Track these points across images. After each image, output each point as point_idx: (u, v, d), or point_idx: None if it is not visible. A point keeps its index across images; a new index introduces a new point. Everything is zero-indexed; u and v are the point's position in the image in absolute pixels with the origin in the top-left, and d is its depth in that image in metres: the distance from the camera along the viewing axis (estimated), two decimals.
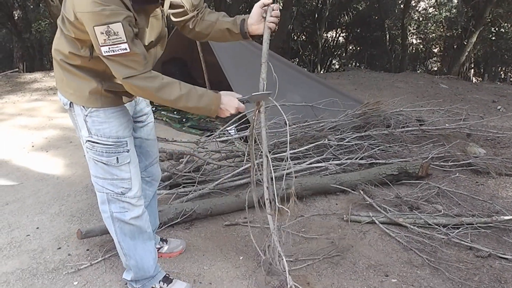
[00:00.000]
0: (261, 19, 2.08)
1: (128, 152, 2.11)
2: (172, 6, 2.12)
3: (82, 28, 1.80)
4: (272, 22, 2.07)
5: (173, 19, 2.19)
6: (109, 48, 1.75)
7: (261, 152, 3.56)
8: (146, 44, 1.98)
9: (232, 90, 4.77)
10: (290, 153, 3.93)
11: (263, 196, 2.34)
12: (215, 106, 2.00)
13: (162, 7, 2.04)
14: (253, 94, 2.12)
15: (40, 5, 15.49)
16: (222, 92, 2.07)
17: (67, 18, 1.82)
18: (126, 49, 1.76)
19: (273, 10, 2.05)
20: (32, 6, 16.38)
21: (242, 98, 2.09)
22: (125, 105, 2.12)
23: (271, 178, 2.32)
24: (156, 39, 2.06)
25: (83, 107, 2.00)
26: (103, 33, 1.72)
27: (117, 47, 1.75)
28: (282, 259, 2.25)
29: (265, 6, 2.05)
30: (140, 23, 1.88)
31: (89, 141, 2.05)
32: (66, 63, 1.95)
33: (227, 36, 2.19)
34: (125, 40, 1.75)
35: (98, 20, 1.70)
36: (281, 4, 14.05)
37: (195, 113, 2.04)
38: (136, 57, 1.82)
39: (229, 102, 2.04)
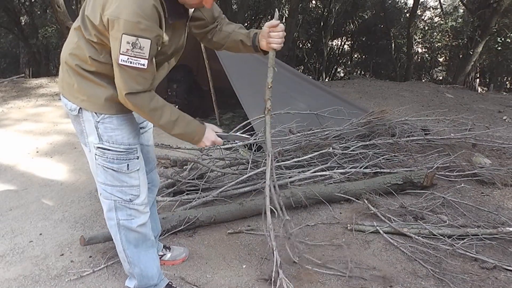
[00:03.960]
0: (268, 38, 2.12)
1: (138, 159, 2.12)
2: (193, 18, 2.15)
3: (104, 32, 1.81)
4: (275, 43, 2.09)
5: (194, 30, 2.24)
6: (127, 59, 1.77)
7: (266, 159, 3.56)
8: (168, 54, 2.03)
9: (237, 98, 4.81)
10: (294, 161, 3.92)
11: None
12: (199, 137, 2.11)
13: (187, 21, 2.09)
14: (231, 133, 2.31)
15: (47, 11, 15.61)
16: (208, 124, 2.18)
17: (91, 21, 1.82)
18: (144, 65, 1.80)
19: (274, 31, 2.09)
20: (39, 12, 16.50)
21: (221, 134, 2.21)
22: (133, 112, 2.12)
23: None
24: (175, 51, 2.09)
25: (95, 113, 1.98)
26: (129, 43, 1.74)
27: (136, 60, 1.78)
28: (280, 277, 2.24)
29: (272, 27, 2.08)
30: (166, 36, 1.91)
31: (99, 148, 2.04)
32: (82, 69, 1.94)
33: (241, 47, 2.24)
34: (147, 57, 1.78)
35: (130, 29, 1.72)
36: (287, 12, 14.10)
37: (176, 137, 2.16)
38: (148, 75, 1.86)
39: (207, 136, 2.13)
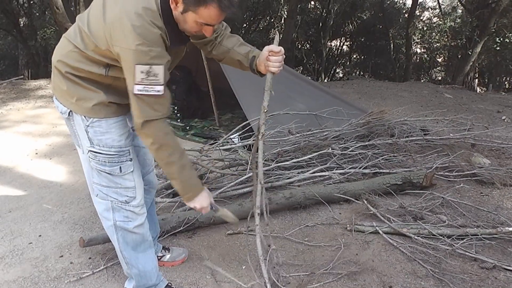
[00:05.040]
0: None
1: (131, 161, 2.12)
2: None
3: (111, 56, 1.83)
4: (274, 67, 2.07)
5: (193, 40, 2.22)
6: (143, 87, 1.79)
7: (265, 160, 3.56)
8: None
9: (236, 98, 4.81)
10: (293, 162, 3.92)
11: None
12: (192, 194, 2.10)
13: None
14: (222, 209, 2.29)
15: (46, 12, 15.58)
16: (206, 189, 2.16)
17: (96, 44, 1.83)
18: (160, 91, 1.82)
19: (274, 55, 2.05)
20: (37, 14, 16.47)
21: (213, 204, 2.21)
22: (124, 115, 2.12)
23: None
24: (172, 65, 2.10)
25: (85, 117, 1.99)
26: (143, 72, 1.76)
27: (151, 88, 1.79)
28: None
29: (271, 52, 2.06)
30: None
31: (91, 151, 2.04)
32: (71, 74, 1.94)
33: (238, 66, 2.25)
34: (162, 83, 1.80)
35: (143, 59, 1.74)
36: (286, 12, 14.10)
37: (173, 184, 2.16)
38: (165, 101, 1.89)
39: (201, 199, 2.12)
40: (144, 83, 1.78)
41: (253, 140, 4.06)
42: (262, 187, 2.20)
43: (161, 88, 1.81)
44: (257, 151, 2.23)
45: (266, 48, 2.08)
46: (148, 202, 2.50)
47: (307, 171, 3.86)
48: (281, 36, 2.19)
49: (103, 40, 1.80)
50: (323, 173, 3.80)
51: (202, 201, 2.12)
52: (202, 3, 1.78)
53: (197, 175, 2.10)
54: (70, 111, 2.01)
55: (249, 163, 3.78)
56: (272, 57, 2.05)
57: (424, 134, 4.82)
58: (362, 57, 19.42)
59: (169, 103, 1.93)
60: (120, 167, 2.08)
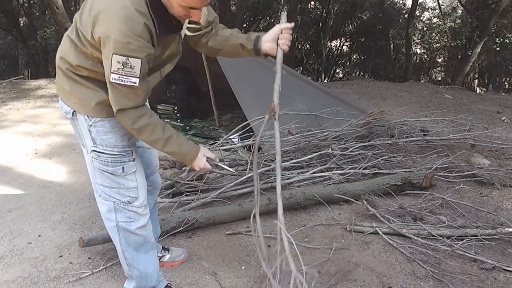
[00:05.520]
0: (276, 39, 2.05)
1: (134, 161, 2.11)
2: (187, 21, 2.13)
3: (97, 47, 1.82)
4: (286, 45, 2.04)
5: (188, 33, 2.21)
6: (118, 77, 1.78)
7: (265, 160, 3.57)
8: (159, 62, 2.03)
9: (236, 99, 4.81)
10: (293, 162, 3.92)
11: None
12: (192, 156, 2.06)
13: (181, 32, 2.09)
14: (220, 163, 2.24)
15: (46, 12, 15.58)
16: (202, 148, 2.13)
17: (83, 34, 1.83)
18: (135, 83, 1.80)
19: (288, 32, 2.02)
20: (37, 14, 16.47)
21: (211, 161, 2.15)
22: None
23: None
24: (169, 57, 2.10)
25: (88, 116, 1.99)
26: (119, 62, 1.74)
27: (127, 79, 1.78)
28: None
29: (285, 29, 2.03)
30: (158, 50, 1.92)
31: (94, 151, 2.04)
32: (72, 72, 1.94)
33: (240, 51, 2.18)
34: (138, 76, 1.79)
35: (120, 50, 1.73)
36: (286, 12, 14.09)
37: (170, 156, 2.18)
38: (141, 92, 1.87)
39: (198, 160, 2.10)
40: (120, 73, 1.77)
41: (253, 140, 4.06)
42: (280, 167, 2.18)
43: (137, 80, 1.79)
44: (259, 150, 2.22)
45: (278, 26, 2.05)
46: (151, 203, 2.49)
47: (307, 171, 3.86)
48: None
49: (89, 32, 1.79)
50: (323, 174, 3.80)
51: (198, 164, 2.10)
52: None
53: (187, 139, 2.08)
54: (74, 111, 2.01)
55: (249, 163, 3.78)
56: (285, 34, 2.03)
57: (424, 135, 4.82)
58: (362, 57, 19.42)
59: (145, 94, 1.91)
60: (123, 167, 2.08)
